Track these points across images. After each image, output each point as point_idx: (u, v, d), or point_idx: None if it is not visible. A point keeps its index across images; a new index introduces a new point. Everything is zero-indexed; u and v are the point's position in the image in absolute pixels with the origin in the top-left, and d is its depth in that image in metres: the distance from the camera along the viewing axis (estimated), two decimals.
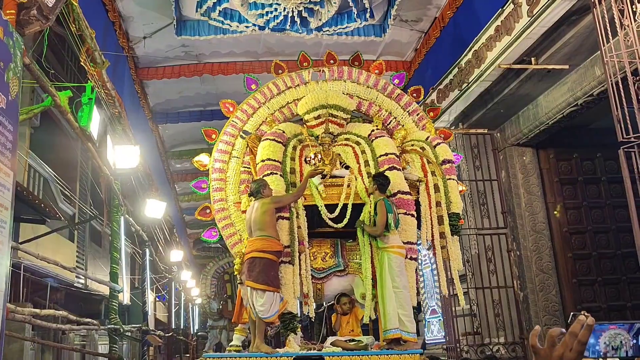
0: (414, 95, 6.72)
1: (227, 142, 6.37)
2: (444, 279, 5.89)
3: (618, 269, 9.15)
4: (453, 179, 6.08)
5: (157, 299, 19.30)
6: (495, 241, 9.05)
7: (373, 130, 6.13)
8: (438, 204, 5.95)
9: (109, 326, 8.32)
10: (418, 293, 10.24)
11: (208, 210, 6.25)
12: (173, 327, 18.73)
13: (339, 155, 6.04)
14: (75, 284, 10.14)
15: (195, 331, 24.29)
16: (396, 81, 6.74)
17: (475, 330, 9.16)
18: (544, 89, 8.33)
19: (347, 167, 5.97)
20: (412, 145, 6.26)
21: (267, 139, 5.88)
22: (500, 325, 8.92)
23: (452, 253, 5.88)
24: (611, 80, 5.59)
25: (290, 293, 5.28)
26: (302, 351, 5.29)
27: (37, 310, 6.01)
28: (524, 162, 9.46)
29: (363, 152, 5.92)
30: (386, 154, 5.80)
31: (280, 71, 6.63)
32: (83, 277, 10.25)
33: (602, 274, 9.11)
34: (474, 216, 9.38)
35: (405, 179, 5.80)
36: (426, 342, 10.60)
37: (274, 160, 5.73)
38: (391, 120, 6.55)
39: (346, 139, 6.14)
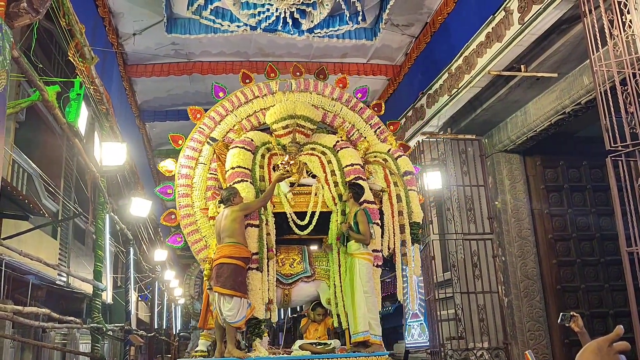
0: (375, 109, 6.91)
1: (194, 149, 6.33)
2: (401, 285, 6.00)
3: (601, 276, 9.25)
4: (414, 190, 6.27)
5: (139, 299, 19.11)
6: (481, 246, 9.12)
7: (338, 141, 6.28)
8: (400, 213, 6.10)
9: (92, 325, 8.22)
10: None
11: (173, 216, 6.17)
12: (155, 327, 18.58)
13: (306, 164, 6.14)
14: (57, 282, 9.98)
15: (177, 331, 24.12)
16: (359, 95, 6.90)
17: (459, 335, 9.19)
18: (533, 97, 8.39)
19: (314, 176, 6.08)
20: (375, 156, 6.43)
21: (237, 146, 5.91)
22: (485, 330, 8.97)
23: (412, 261, 6.02)
24: (600, 89, 5.65)
25: (259, 299, 5.30)
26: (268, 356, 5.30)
27: (20, 308, 5.91)
28: (511, 168, 9.52)
29: (329, 162, 6.06)
30: (352, 165, 5.98)
31: (247, 80, 6.68)
32: (65, 275, 10.10)
33: (586, 281, 9.20)
34: (461, 221, 9.42)
35: (370, 189, 5.96)
36: (407, 346, 10.60)
37: (244, 168, 5.76)
38: (354, 132, 6.73)
39: (312, 149, 6.26)
